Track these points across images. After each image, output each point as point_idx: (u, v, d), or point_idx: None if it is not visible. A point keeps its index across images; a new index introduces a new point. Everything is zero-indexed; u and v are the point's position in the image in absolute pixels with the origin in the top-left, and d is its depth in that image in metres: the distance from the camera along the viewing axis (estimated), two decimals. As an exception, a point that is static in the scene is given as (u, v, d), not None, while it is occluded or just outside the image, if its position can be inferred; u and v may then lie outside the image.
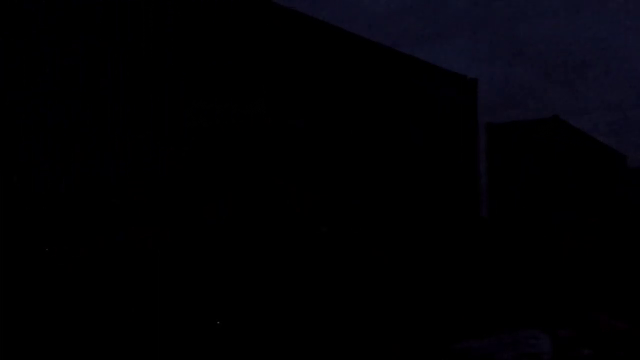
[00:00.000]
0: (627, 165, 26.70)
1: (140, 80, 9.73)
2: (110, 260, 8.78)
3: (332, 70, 12.66)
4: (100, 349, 7.88)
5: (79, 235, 8.62)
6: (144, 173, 9.60)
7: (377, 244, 12.49)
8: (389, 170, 13.68)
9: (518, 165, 19.25)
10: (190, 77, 10.48)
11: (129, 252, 8.94)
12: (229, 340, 8.83)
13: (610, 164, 23.66)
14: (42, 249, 8.19)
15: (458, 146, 15.97)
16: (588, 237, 17.89)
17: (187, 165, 10.15)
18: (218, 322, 9.23)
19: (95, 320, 8.17)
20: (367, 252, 12.17)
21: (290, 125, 11.53)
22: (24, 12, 8.55)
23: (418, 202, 14.02)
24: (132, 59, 9.65)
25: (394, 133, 14.08)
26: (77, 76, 9.00)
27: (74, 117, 8.90)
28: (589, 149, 21.52)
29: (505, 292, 12.84)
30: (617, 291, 13.31)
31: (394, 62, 14.39)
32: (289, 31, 11.83)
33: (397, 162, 13.96)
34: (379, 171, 13.38)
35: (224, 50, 10.95)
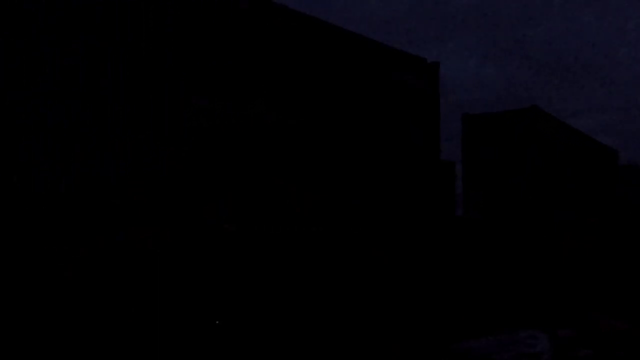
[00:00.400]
0: (620, 161, 26.49)
1: (140, 80, 9.73)
2: (110, 260, 8.78)
3: (282, 53, 11.98)
4: (101, 348, 7.88)
5: (79, 235, 8.62)
6: (144, 173, 9.61)
7: (377, 244, 12.49)
8: (341, 159, 12.88)
9: (495, 156, 18.92)
10: (190, 77, 10.49)
11: (129, 252, 8.94)
12: (228, 339, 8.83)
13: (599, 158, 23.42)
14: (43, 249, 8.20)
15: (418, 133, 14.94)
16: (582, 236, 17.89)
17: (187, 165, 10.15)
18: (217, 322, 9.23)
19: (95, 319, 8.17)
20: (367, 253, 12.18)
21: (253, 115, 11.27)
22: (24, 12, 8.55)
23: (374, 192, 13.38)
24: (132, 59, 9.65)
25: (344, 120, 13.11)
26: (77, 76, 9.00)
27: (74, 117, 8.90)
28: (574, 141, 21.19)
29: (505, 292, 12.84)
30: (617, 291, 13.32)
31: (341, 43, 13.09)
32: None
33: (349, 151, 13.13)
34: (332, 161, 12.63)
35: (223, 50, 10.96)
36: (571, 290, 13.64)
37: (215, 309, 9.48)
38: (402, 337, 8.56)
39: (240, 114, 11.06)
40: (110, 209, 9.05)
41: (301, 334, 8.94)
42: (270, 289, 10.18)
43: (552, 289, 13.56)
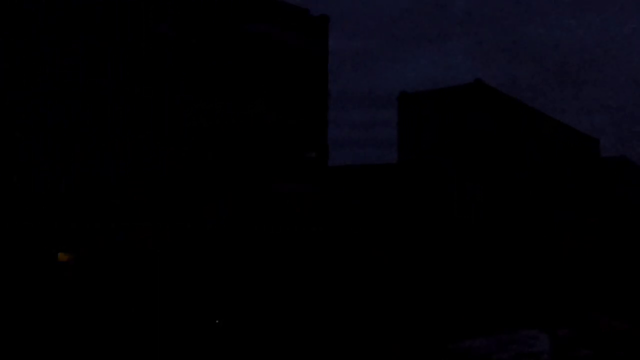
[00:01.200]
0: (600, 150, 25.53)
1: (140, 81, 9.73)
2: (110, 260, 8.78)
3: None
4: (100, 348, 7.88)
5: (79, 235, 8.62)
6: (144, 173, 9.61)
7: (377, 244, 12.49)
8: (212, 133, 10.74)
9: (434, 136, 17.62)
10: (190, 77, 10.49)
11: (129, 252, 8.95)
12: (228, 339, 8.83)
13: (561, 138, 22.06)
14: (43, 248, 8.20)
15: (302, 102, 12.26)
16: (581, 235, 17.89)
17: (187, 165, 10.15)
18: (217, 321, 9.24)
19: (95, 319, 8.17)
20: (367, 253, 12.17)
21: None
22: (24, 12, 8.56)
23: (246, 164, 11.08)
24: (132, 59, 9.65)
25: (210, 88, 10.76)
26: (77, 76, 9.00)
27: (74, 117, 8.90)
28: (531, 121, 19.74)
29: (505, 292, 12.84)
30: (617, 291, 13.32)
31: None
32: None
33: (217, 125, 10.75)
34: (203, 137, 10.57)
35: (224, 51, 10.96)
36: (571, 290, 13.64)
37: (214, 308, 9.48)
38: (402, 337, 8.55)
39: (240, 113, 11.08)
40: (110, 209, 9.05)
41: (301, 334, 8.94)
42: (270, 289, 10.18)
43: (552, 289, 13.55)
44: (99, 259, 8.74)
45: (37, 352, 7.44)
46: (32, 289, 7.93)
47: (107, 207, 9.01)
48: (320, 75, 12.73)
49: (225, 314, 9.40)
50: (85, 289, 8.42)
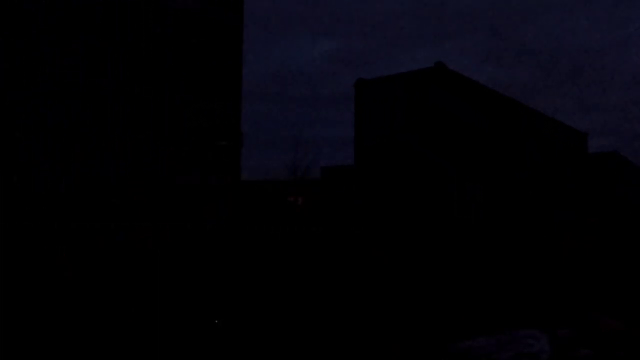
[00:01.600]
0: (588, 145, 25.02)
1: (140, 81, 9.74)
2: (110, 260, 8.79)
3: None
4: (100, 347, 7.88)
5: (79, 235, 8.62)
6: (144, 173, 9.61)
7: (377, 244, 12.50)
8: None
9: (394, 122, 17.49)
10: (191, 77, 10.50)
11: (129, 252, 8.95)
12: (227, 338, 8.82)
13: (533, 124, 21.55)
14: (43, 248, 8.21)
15: (217, 82, 11.03)
16: (581, 235, 17.87)
17: (186, 165, 10.16)
18: (216, 321, 9.23)
19: (94, 318, 8.17)
20: (367, 252, 12.18)
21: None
22: (24, 12, 8.56)
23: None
24: (132, 59, 9.66)
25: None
26: (77, 76, 9.01)
27: (74, 117, 8.91)
28: (487, 101, 18.89)
29: (504, 291, 12.82)
30: (617, 291, 13.30)
31: None
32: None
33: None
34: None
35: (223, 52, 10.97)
36: (570, 289, 13.63)
37: (213, 308, 9.48)
38: (401, 337, 8.55)
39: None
40: (110, 208, 9.06)
41: (301, 334, 8.94)
42: (270, 288, 10.19)
43: (551, 288, 13.55)
44: (99, 258, 8.76)
45: (37, 352, 7.44)
46: (32, 289, 7.94)
47: (107, 207, 9.01)
48: (235, 50, 11.56)
49: (224, 313, 9.40)
50: (85, 289, 8.43)
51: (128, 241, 9.01)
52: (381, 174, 15.58)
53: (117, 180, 9.25)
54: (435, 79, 17.93)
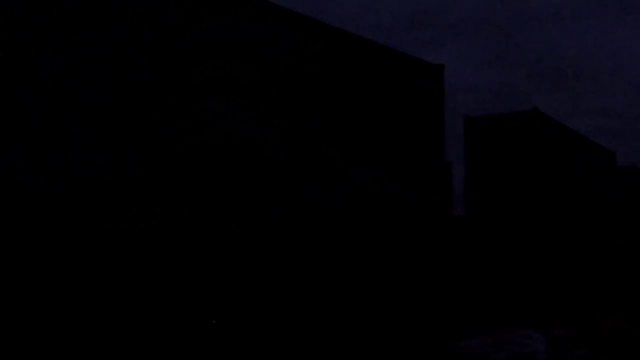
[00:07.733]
0: (617, 162, 26.69)
1: (139, 81, 9.76)
2: (109, 258, 8.82)
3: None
4: (100, 347, 7.93)
5: (78, 234, 8.66)
6: (144, 173, 9.64)
7: (376, 244, 12.54)
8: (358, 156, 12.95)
9: (497, 158, 18.83)
10: (191, 78, 10.52)
11: (128, 250, 8.99)
12: (226, 338, 8.88)
13: (596, 158, 23.72)
14: (42, 248, 8.24)
15: (423, 136, 14.89)
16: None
17: (186, 166, 10.19)
18: (214, 321, 9.28)
19: (94, 318, 8.21)
20: (367, 252, 12.23)
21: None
22: (24, 12, 8.59)
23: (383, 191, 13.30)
24: (131, 60, 9.69)
25: (360, 122, 13.23)
26: (77, 76, 9.03)
27: (73, 117, 8.94)
28: (572, 142, 21.25)
29: (501, 292, 12.90)
30: (616, 291, 13.38)
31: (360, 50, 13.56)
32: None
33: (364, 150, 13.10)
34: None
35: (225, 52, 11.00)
36: (569, 289, 13.69)
37: (212, 308, 9.52)
38: (399, 336, 8.62)
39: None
40: (109, 208, 9.10)
41: (301, 334, 8.99)
42: (269, 288, 10.22)
43: (549, 289, 13.61)
44: (99, 258, 8.79)
45: (37, 352, 7.49)
46: (31, 288, 7.97)
47: (106, 207, 9.06)
48: (438, 110, 15.83)
49: (222, 313, 9.44)
50: (85, 289, 8.46)
51: (127, 241, 9.04)
52: None
53: (116, 180, 9.30)
54: (529, 125, 18.67)
